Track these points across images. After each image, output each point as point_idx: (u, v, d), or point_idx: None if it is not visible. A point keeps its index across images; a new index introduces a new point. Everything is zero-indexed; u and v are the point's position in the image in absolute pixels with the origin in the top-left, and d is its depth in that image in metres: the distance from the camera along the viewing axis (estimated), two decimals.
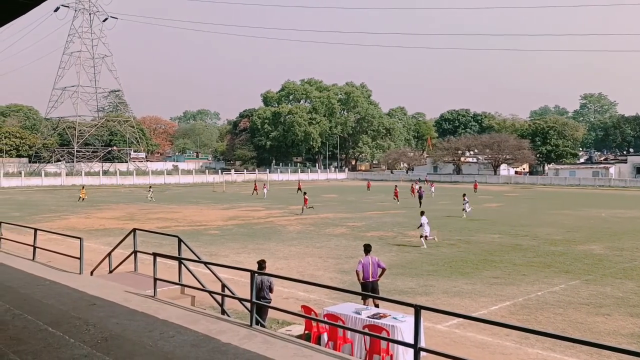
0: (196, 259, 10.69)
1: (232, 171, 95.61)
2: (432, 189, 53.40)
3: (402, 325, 8.73)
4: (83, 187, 51.43)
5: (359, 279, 11.44)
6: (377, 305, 10.77)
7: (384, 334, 8.27)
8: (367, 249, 11.78)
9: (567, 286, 14.51)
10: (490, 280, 15.20)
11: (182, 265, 10.60)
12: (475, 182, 65.16)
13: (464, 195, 34.69)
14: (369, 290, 11.01)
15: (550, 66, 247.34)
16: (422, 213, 22.70)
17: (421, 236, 21.45)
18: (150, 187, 53.48)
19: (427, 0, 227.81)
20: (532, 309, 12.30)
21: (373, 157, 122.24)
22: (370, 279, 11.34)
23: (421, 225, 21.60)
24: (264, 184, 57.30)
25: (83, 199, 46.52)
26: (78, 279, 11.39)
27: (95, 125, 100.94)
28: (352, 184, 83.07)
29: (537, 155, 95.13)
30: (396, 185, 51.64)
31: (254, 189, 55.57)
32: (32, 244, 14.42)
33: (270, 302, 9.75)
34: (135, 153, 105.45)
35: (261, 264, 10.13)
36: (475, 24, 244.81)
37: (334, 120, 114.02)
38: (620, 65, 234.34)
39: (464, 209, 32.80)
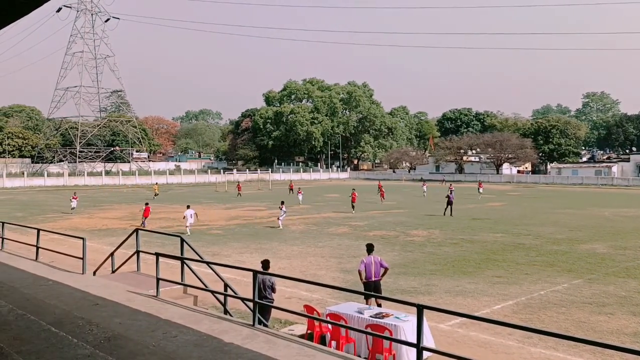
0: (199, 258, 10.69)
1: (235, 171, 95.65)
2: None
3: (404, 324, 8.73)
4: (156, 184, 57.41)
5: (361, 279, 11.44)
6: (379, 305, 10.78)
7: (386, 334, 8.28)
8: (370, 248, 11.77)
9: (570, 285, 14.49)
10: (492, 280, 15.18)
11: (185, 265, 10.60)
12: (480, 181, 64.77)
13: (282, 202, 29.55)
14: (371, 289, 11.00)
15: (553, 65, 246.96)
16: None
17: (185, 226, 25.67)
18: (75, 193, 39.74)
19: (430, 0, 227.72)
20: (535, 308, 12.28)
21: (375, 157, 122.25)
22: (373, 279, 11.32)
23: (185, 218, 25.74)
24: (299, 189, 46.14)
25: (157, 193, 50.87)
26: (81, 279, 11.40)
27: (98, 126, 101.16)
28: (354, 184, 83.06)
29: (540, 154, 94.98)
30: (380, 183, 49.90)
31: (238, 190, 53.95)
32: (35, 244, 14.45)
33: (272, 302, 9.76)
34: (138, 153, 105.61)
35: (265, 264, 10.14)
36: (477, 22, 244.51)
37: (336, 120, 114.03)
38: (623, 63, 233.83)
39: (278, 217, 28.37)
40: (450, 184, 52.70)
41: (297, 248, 20.96)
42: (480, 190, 50.92)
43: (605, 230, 25.92)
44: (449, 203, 32.89)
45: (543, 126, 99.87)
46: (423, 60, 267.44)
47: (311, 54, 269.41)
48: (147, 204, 29.96)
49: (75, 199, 37.58)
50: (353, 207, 35.07)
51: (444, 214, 32.47)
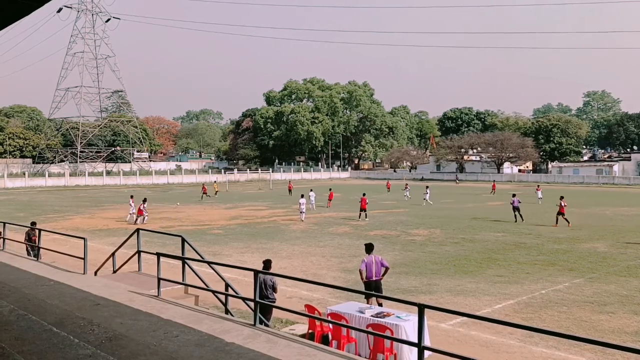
0: (200, 258, 10.69)
1: (235, 170, 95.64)
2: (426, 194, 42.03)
3: (405, 324, 8.73)
4: (215, 182, 60.49)
5: (362, 278, 11.45)
6: (380, 304, 10.78)
7: (387, 333, 8.27)
8: (370, 248, 11.78)
9: (571, 284, 14.48)
10: (494, 279, 15.17)
11: (186, 265, 10.61)
12: (494, 182, 63.44)
13: (302, 195, 30.74)
14: (372, 289, 11.00)
15: (553, 63, 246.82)
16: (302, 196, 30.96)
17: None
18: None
19: (431, 0, 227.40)
20: (536, 308, 12.27)
21: (376, 156, 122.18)
22: (374, 278, 11.34)
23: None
24: (330, 191, 41.72)
25: (217, 192, 54.15)
26: (82, 279, 11.41)
27: (99, 126, 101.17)
28: (355, 183, 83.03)
29: (541, 153, 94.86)
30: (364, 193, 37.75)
31: (204, 192, 49.93)
32: (36, 244, 14.45)
33: (274, 302, 9.76)
34: (139, 153, 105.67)
35: (266, 263, 10.15)
36: (477, 22, 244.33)
37: (337, 119, 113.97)
38: (624, 62, 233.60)
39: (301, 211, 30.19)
40: (427, 186, 48.58)
41: (298, 248, 20.96)
42: (539, 194, 43.90)
43: (606, 229, 25.89)
44: (515, 209, 29.77)
45: (544, 125, 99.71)
46: (423, 59, 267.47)
47: (311, 53, 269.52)
48: (144, 200, 30.47)
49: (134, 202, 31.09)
50: (366, 215, 30.89)
51: (515, 220, 29.29)
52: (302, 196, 31.68)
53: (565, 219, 27.06)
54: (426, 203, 40.87)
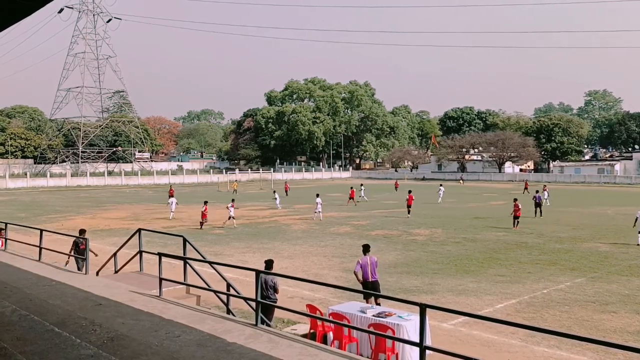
0: (201, 258, 10.70)
1: (237, 170, 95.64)
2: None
3: (407, 323, 8.72)
4: (236, 181, 63.39)
5: (358, 279, 11.48)
6: (378, 304, 10.79)
7: (389, 333, 8.27)
8: (366, 248, 11.82)
9: (573, 284, 14.47)
10: (495, 279, 15.16)
11: (187, 265, 10.61)
12: (526, 181, 62.07)
13: (317, 194, 32.54)
14: (368, 289, 11.03)
15: (555, 63, 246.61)
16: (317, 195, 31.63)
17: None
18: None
19: (431, 0, 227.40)
20: (537, 307, 12.27)
21: (377, 156, 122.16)
22: (370, 279, 11.38)
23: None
24: (352, 189, 42.14)
25: (235, 190, 56.25)
26: (84, 279, 11.42)
27: (100, 126, 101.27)
28: (356, 183, 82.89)
29: (542, 153, 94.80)
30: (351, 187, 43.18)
31: (170, 195, 44.53)
32: (38, 244, 14.46)
33: (275, 302, 9.76)
34: (140, 153, 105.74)
35: (268, 264, 10.15)
36: (478, 22, 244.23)
37: (338, 119, 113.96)
38: (625, 61, 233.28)
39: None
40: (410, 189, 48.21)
41: (299, 247, 20.96)
42: (546, 194, 41.15)
43: (608, 229, 25.87)
44: (537, 205, 31.00)
45: (545, 124, 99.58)
46: (425, 59, 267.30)
47: (312, 53, 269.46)
48: (205, 202, 28.19)
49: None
50: (409, 211, 31.84)
51: (534, 215, 30.37)
52: (318, 195, 32.03)
53: (517, 221, 26.65)
54: (361, 198, 43.03)
